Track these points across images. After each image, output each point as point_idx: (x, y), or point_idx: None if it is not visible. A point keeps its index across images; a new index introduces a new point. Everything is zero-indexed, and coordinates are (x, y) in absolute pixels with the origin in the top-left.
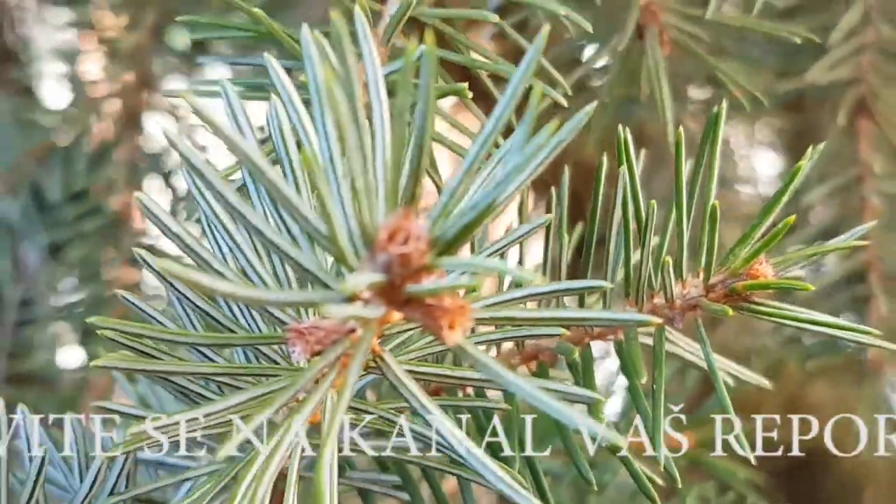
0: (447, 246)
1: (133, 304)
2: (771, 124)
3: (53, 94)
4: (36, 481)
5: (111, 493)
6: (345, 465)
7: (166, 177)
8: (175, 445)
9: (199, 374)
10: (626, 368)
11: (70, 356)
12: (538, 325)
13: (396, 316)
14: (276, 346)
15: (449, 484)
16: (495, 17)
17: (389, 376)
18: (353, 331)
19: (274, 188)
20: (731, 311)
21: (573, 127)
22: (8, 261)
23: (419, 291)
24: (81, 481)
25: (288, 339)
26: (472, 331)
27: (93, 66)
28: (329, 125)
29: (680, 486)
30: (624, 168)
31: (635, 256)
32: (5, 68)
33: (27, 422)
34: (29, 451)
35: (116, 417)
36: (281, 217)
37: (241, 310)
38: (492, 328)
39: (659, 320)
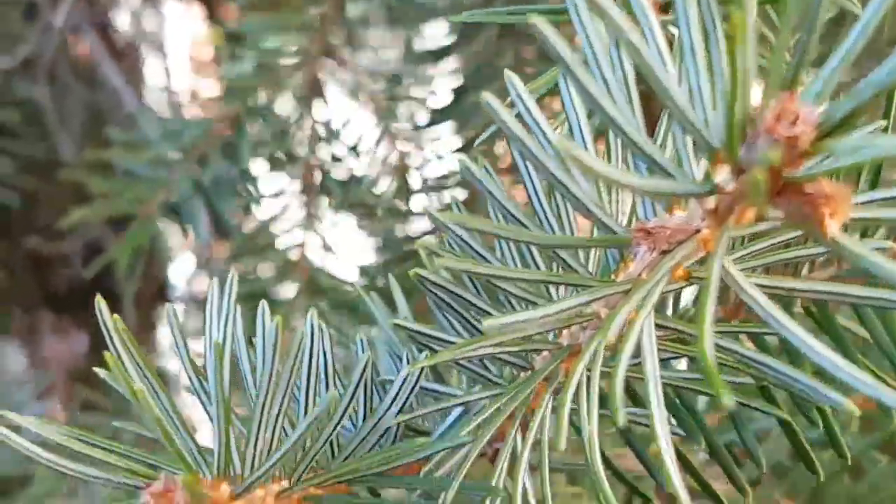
0: (835, 129)
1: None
2: None
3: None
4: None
5: (398, 414)
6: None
7: (351, 147)
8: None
9: (526, 280)
10: None
11: None
12: None
13: (751, 214)
14: (580, 259)
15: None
16: None
17: (732, 286)
18: (697, 231)
19: (649, 69)
20: None
21: None
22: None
23: (804, 176)
24: (365, 407)
25: (633, 238)
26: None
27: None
28: (693, 13)
29: None
30: None
31: None
32: None
33: (323, 335)
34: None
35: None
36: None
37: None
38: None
39: None
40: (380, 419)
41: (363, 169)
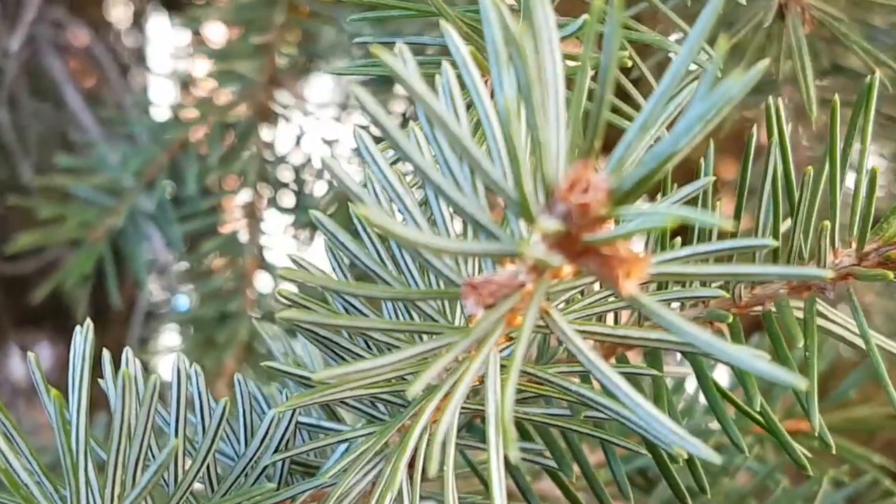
0: (625, 196)
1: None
2: None
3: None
4: (212, 443)
5: (275, 452)
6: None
7: (297, 170)
8: (325, 409)
9: (378, 329)
10: (776, 338)
11: None
12: (710, 280)
13: (567, 270)
14: (433, 303)
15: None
16: None
17: (556, 332)
18: (522, 285)
19: (456, 140)
20: (892, 276)
21: (753, 78)
22: (146, 252)
23: (599, 239)
24: (246, 445)
25: (462, 293)
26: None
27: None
28: (507, 84)
29: (818, 464)
30: (775, 137)
31: (785, 224)
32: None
33: (197, 379)
34: (200, 410)
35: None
36: (451, 173)
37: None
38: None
39: (832, 273)
40: (251, 459)
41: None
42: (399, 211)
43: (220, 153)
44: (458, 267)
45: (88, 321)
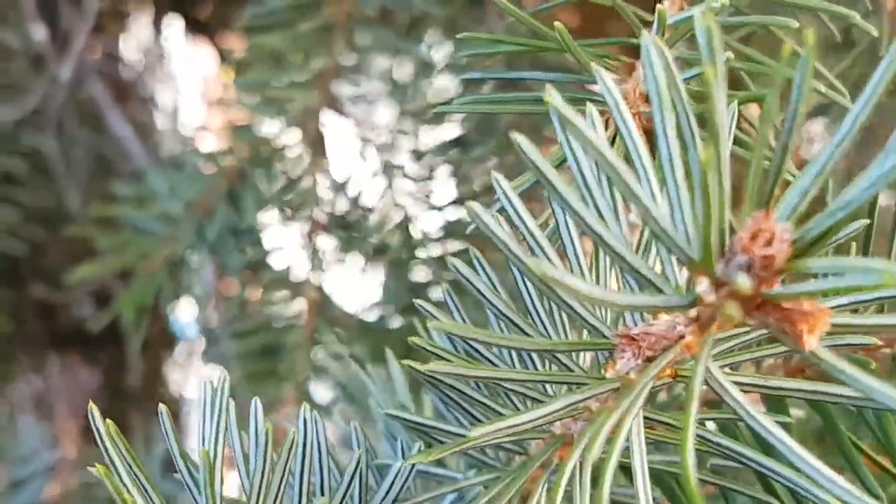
0: (808, 248)
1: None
2: None
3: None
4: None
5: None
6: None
7: (354, 199)
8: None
9: (515, 380)
10: None
11: None
12: (887, 332)
13: (732, 323)
14: (572, 355)
15: None
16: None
17: (714, 385)
18: (682, 337)
19: (628, 189)
20: None
21: None
22: (207, 279)
23: (783, 294)
24: (361, 496)
25: (618, 345)
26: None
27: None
28: (670, 127)
29: None
30: None
31: None
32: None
33: (316, 426)
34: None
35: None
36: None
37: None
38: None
39: None
40: None
41: (366, 220)
42: (535, 254)
43: (276, 183)
44: (598, 314)
45: (224, 373)
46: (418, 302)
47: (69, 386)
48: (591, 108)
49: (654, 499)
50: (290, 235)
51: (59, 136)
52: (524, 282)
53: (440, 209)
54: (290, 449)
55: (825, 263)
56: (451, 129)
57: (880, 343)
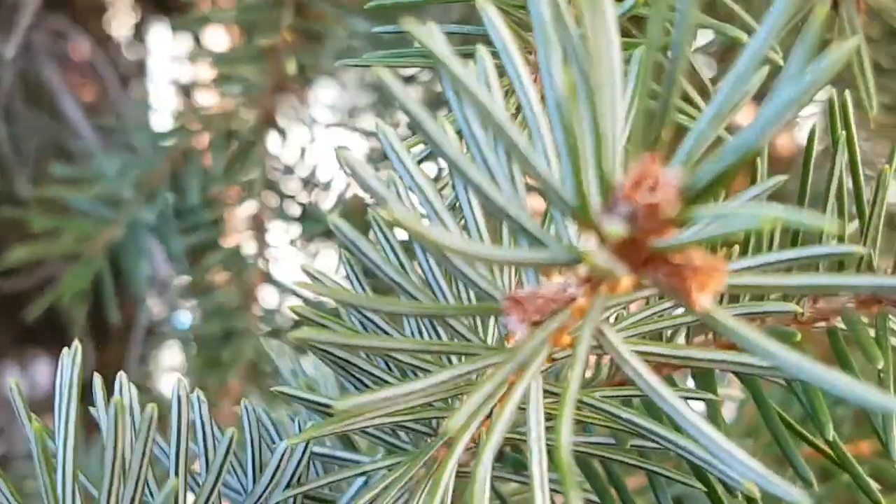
0: (699, 195)
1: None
2: None
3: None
4: (217, 478)
5: (287, 487)
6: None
7: (304, 180)
8: (339, 438)
9: (405, 349)
10: (843, 358)
11: None
12: (791, 292)
13: (625, 282)
14: (463, 320)
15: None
16: None
17: (611, 353)
18: (572, 300)
19: (499, 128)
20: None
21: (847, 51)
22: (146, 267)
23: (671, 246)
24: (254, 478)
25: (503, 308)
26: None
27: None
28: (556, 66)
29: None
30: (841, 134)
31: (849, 228)
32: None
33: (200, 406)
34: (203, 440)
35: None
36: (489, 171)
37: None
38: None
39: None
40: (261, 495)
41: (318, 202)
42: (428, 216)
43: (224, 163)
44: (493, 278)
45: (77, 342)
46: (302, 265)
47: (25, 380)
48: (483, 51)
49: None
50: (237, 217)
51: (6, 118)
52: (423, 251)
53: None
54: (149, 424)
55: (711, 211)
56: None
57: (800, 310)
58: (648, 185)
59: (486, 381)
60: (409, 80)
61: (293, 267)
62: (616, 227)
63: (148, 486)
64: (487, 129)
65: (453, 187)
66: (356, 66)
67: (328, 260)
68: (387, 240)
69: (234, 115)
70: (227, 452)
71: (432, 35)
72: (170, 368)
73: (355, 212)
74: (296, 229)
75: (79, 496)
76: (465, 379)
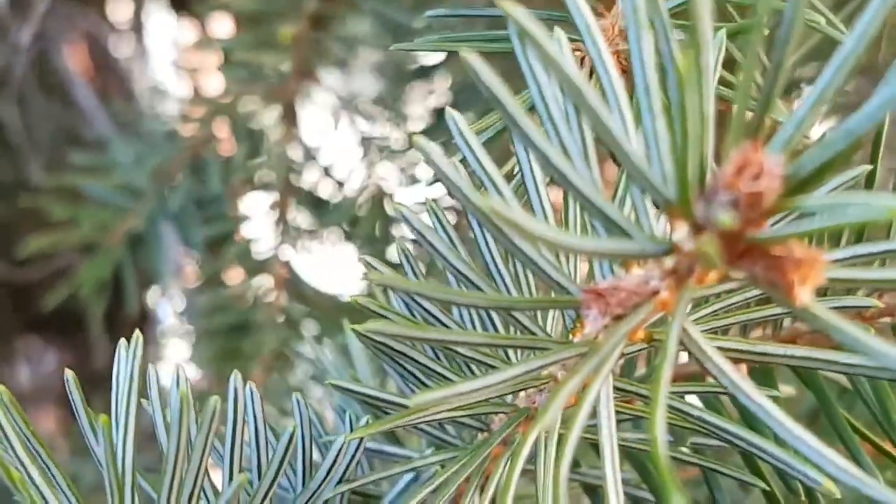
0: (802, 184)
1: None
2: None
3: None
4: (274, 480)
5: (339, 483)
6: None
7: (327, 170)
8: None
9: (475, 343)
10: None
11: None
12: (885, 287)
13: (714, 275)
14: (538, 321)
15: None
16: None
17: (692, 349)
18: (655, 293)
19: (597, 118)
20: None
21: None
22: (170, 254)
23: (772, 237)
24: (304, 474)
25: (583, 302)
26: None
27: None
28: (647, 48)
29: None
30: None
31: None
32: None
33: (250, 396)
34: (256, 439)
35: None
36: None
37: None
38: None
39: None
40: (314, 492)
41: (339, 193)
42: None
43: (244, 152)
44: (563, 270)
45: (138, 333)
46: (363, 257)
47: (34, 371)
48: (560, 32)
49: (626, 480)
50: (258, 208)
51: (20, 106)
52: (486, 242)
53: (422, 183)
54: (212, 417)
55: (821, 201)
56: (436, 98)
57: (881, 306)
58: (752, 173)
59: (572, 376)
60: (433, 68)
61: (313, 258)
62: (724, 217)
63: (209, 481)
64: (568, 115)
65: (521, 175)
66: (409, 50)
67: (346, 252)
68: (445, 230)
69: (255, 103)
70: (287, 450)
71: (528, 18)
72: (182, 360)
73: (377, 204)
74: (317, 220)
75: (138, 495)
76: (537, 373)
